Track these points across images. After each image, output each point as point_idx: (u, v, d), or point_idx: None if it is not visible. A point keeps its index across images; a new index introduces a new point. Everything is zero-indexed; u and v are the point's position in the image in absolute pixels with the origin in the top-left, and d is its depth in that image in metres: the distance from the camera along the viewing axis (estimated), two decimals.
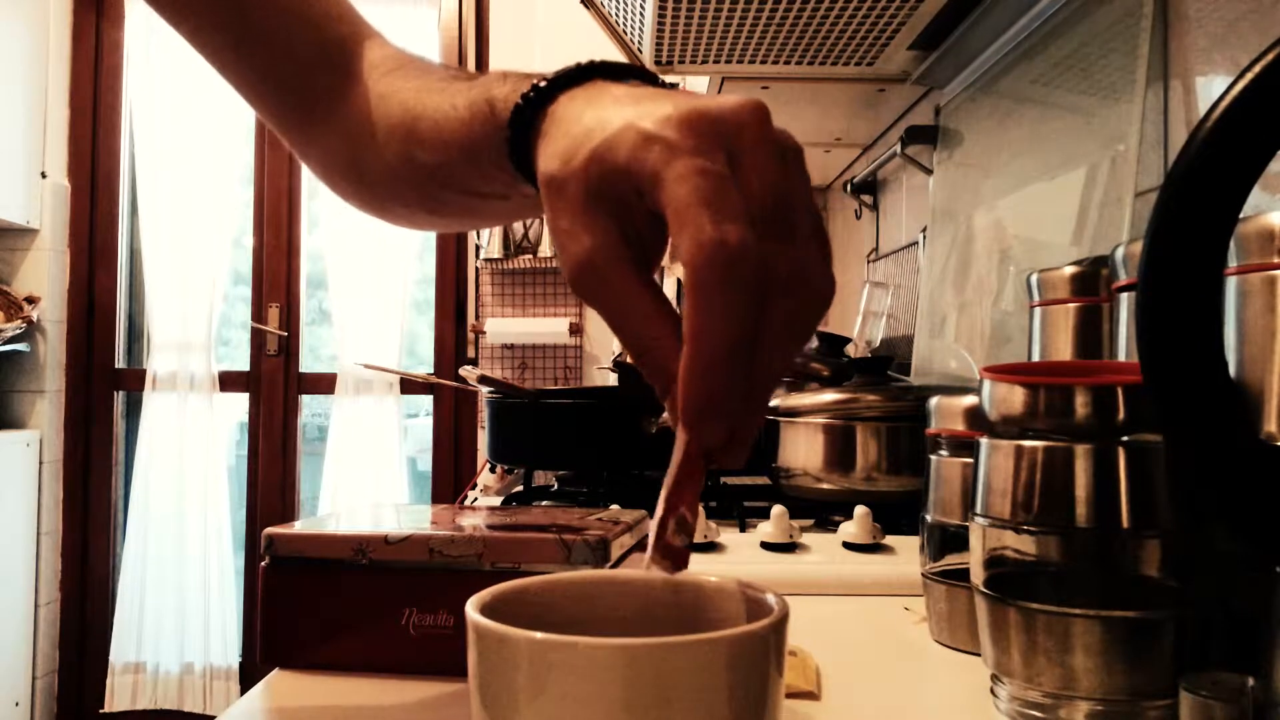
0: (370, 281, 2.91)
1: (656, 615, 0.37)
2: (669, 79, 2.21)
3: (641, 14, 1.25)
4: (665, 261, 2.48)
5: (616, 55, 1.45)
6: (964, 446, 0.61)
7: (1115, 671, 0.44)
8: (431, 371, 2.98)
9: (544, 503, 1.14)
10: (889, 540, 0.83)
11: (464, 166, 0.49)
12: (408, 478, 2.98)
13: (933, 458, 0.63)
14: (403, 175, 0.54)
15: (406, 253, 2.93)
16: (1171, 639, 0.44)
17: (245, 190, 2.99)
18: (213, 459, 2.93)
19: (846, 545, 0.83)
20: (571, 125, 0.38)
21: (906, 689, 0.55)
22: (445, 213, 0.57)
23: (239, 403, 3.03)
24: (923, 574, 0.63)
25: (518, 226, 2.80)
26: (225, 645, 2.89)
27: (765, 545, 0.83)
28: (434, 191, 0.53)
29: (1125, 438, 0.45)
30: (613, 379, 1.32)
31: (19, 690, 2.76)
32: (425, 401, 3.06)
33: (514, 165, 0.43)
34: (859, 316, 1.94)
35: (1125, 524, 0.44)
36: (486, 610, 0.33)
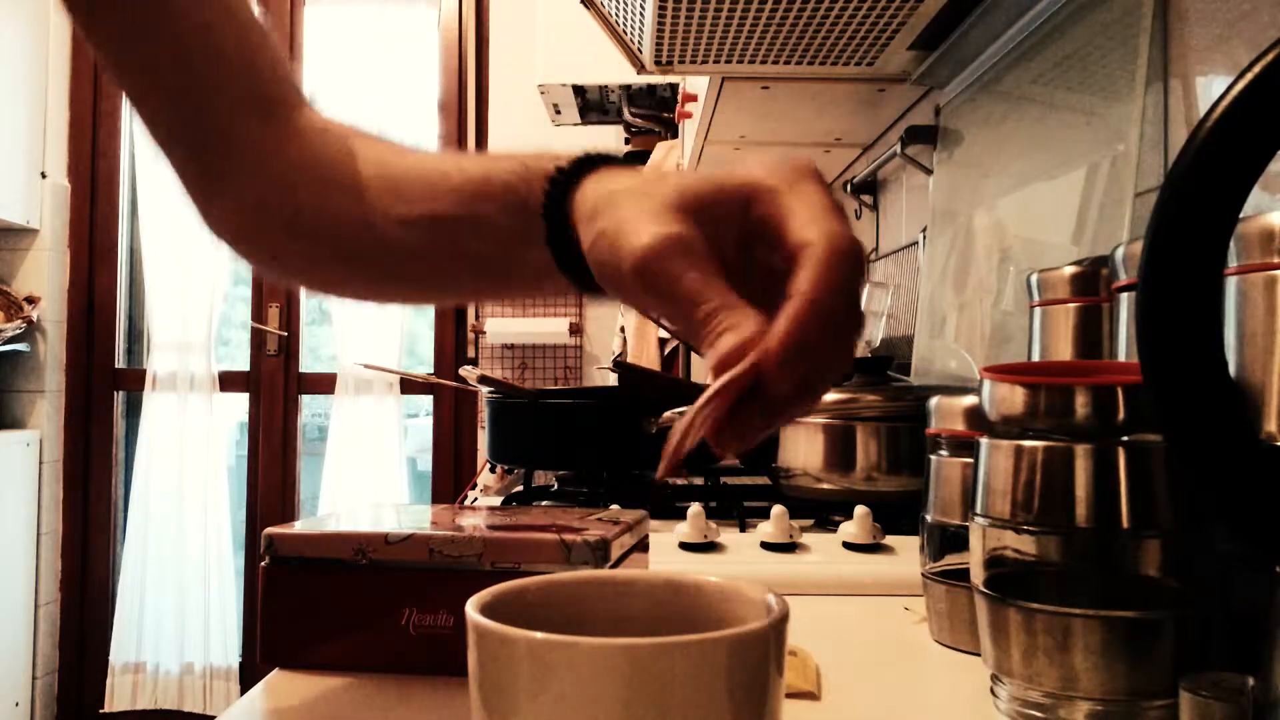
0: None
1: (656, 615, 0.37)
2: (669, 79, 2.21)
3: (641, 14, 1.25)
4: None
5: (617, 55, 1.45)
6: (964, 446, 0.61)
7: (1115, 671, 0.44)
8: (431, 371, 2.98)
9: (544, 503, 1.14)
10: (889, 540, 0.83)
11: (456, 221, 0.49)
12: (408, 478, 2.98)
13: (933, 458, 0.63)
14: (360, 230, 0.52)
15: None
16: (1171, 639, 0.44)
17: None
18: (213, 459, 2.93)
19: (846, 545, 0.83)
20: (641, 172, 0.42)
21: (906, 689, 0.55)
22: (387, 273, 0.55)
23: (239, 403, 3.03)
24: (923, 574, 0.63)
25: None
26: (225, 645, 2.89)
27: (765, 545, 0.83)
28: (397, 247, 0.52)
29: (1125, 438, 0.45)
30: (613, 379, 1.32)
31: (19, 690, 2.76)
32: (425, 401, 3.06)
33: (547, 214, 0.44)
34: None
35: (1125, 524, 0.44)
36: (486, 610, 0.33)
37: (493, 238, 0.47)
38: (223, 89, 0.54)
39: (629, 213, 0.38)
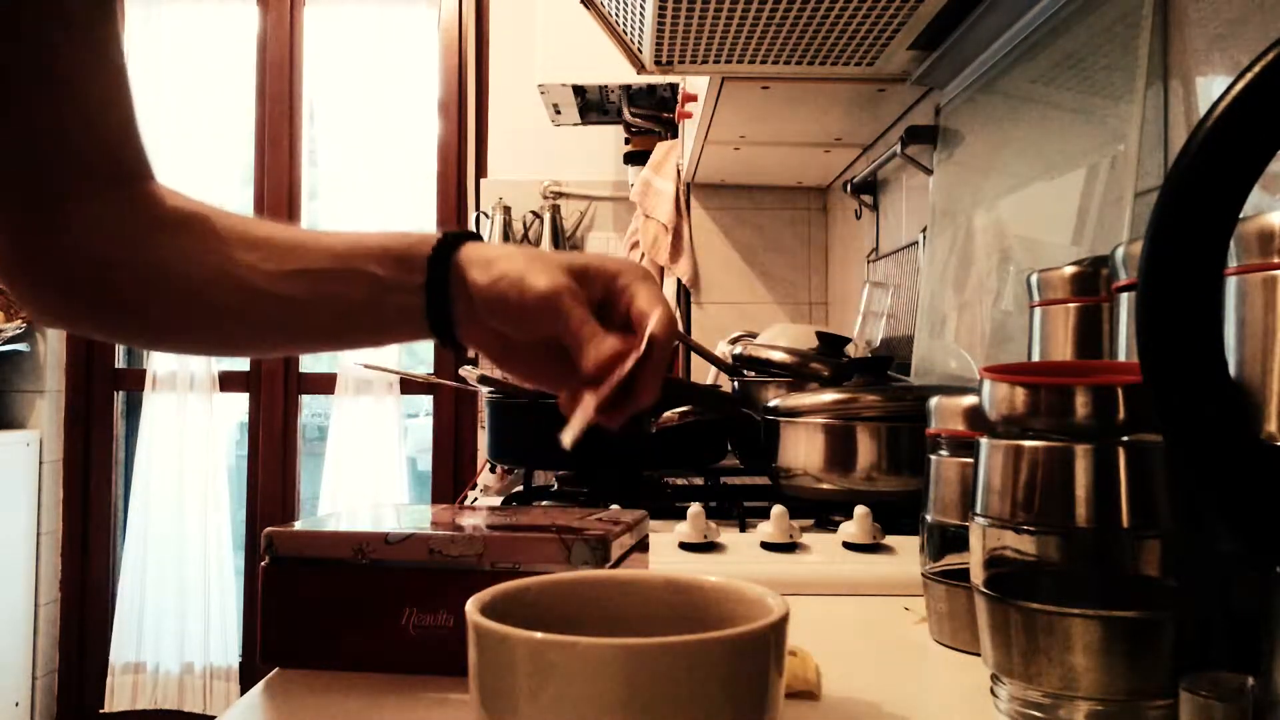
0: None
1: (656, 615, 0.37)
2: (669, 79, 2.21)
3: (641, 14, 1.25)
4: (665, 262, 2.49)
5: (617, 55, 1.45)
6: (964, 446, 0.61)
7: (1115, 671, 0.44)
8: (431, 371, 2.98)
9: (544, 503, 1.14)
10: (889, 540, 0.83)
11: (327, 272, 0.57)
12: (408, 478, 2.98)
13: (933, 458, 0.63)
14: (223, 279, 0.57)
15: None
16: (1171, 639, 0.44)
17: (245, 190, 2.99)
18: (213, 459, 2.92)
19: (846, 545, 0.83)
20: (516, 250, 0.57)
21: (906, 689, 0.55)
22: (246, 321, 0.59)
23: (239, 403, 3.03)
24: (923, 574, 0.63)
25: (518, 226, 2.80)
26: (225, 645, 2.89)
27: (765, 545, 0.83)
28: (261, 295, 0.57)
29: (1125, 438, 0.45)
30: None
31: (19, 690, 2.76)
32: (425, 401, 3.06)
33: (434, 260, 0.56)
34: (859, 316, 1.94)
35: (1125, 524, 0.44)
36: (486, 610, 0.33)
37: (363, 284, 0.57)
38: (68, 160, 0.57)
39: (530, 266, 0.54)
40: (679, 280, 2.48)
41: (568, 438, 0.52)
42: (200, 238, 0.58)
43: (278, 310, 0.58)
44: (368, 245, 0.58)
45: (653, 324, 0.54)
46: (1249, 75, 0.32)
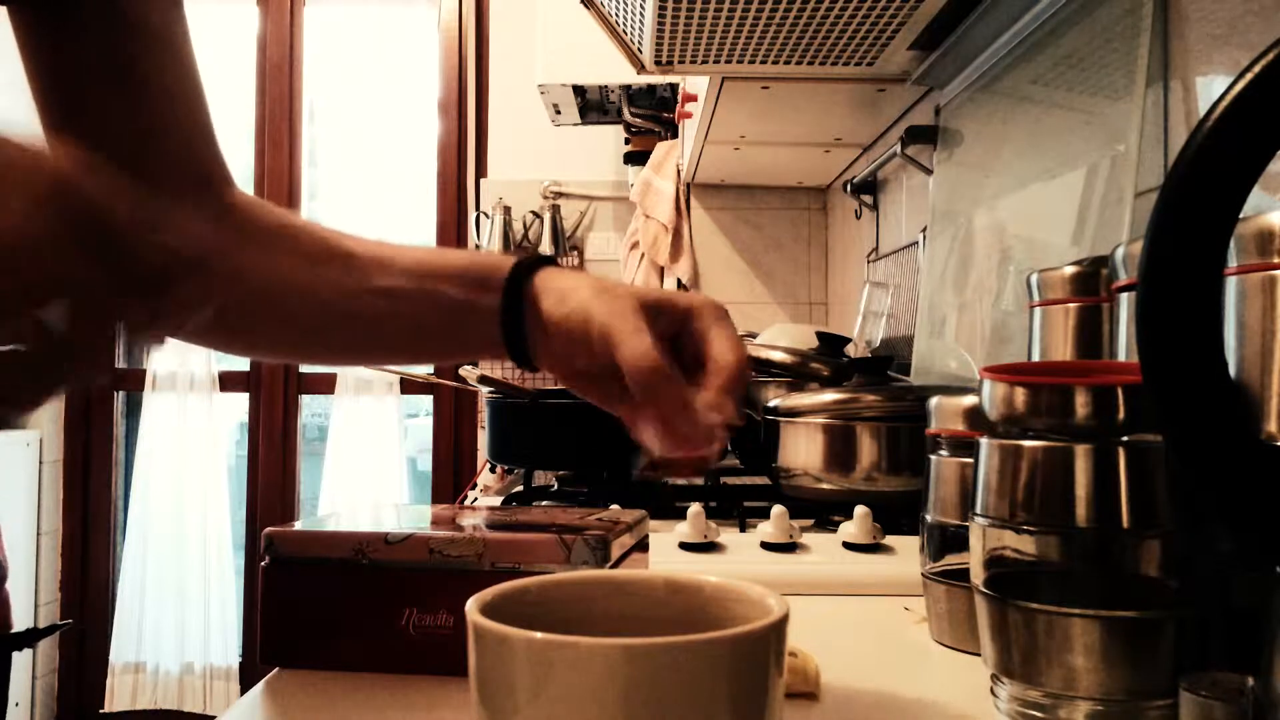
0: None
1: (656, 615, 0.37)
2: (669, 79, 2.21)
3: (641, 14, 1.25)
4: (665, 262, 2.49)
5: (617, 55, 1.45)
6: (964, 446, 0.61)
7: (1115, 671, 0.44)
8: (431, 371, 2.98)
9: (544, 503, 1.14)
10: (889, 540, 0.83)
11: (410, 293, 0.58)
12: (408, 478, 2.98)
13: (933, 458, 0.63)
14: (305, 296, 0.59)
15: None
16: (1171, 639, 0.44)
17: (245, 190, 2.99)
18: (213, 459, 2.92)
19: (846, 545, 0.83)
20: (588, 273, 0.57)
21: (906, 689, 0.55)
22: (327, 332, 0.62)
23: (239, 403, 3.03)
24: (923, 574, 0.63)
25: (518, 226, 2.80)
26: (225, 645, 2.89)
27: (765, 545, 0.83)
28: (344, 312, 0.59)
29: (1125, 438, 0.45)
30: None
31: (19, 690, 2.76)
32: (425, 401, 3.06)
33: (508, 290, 0.57)
34: (859, 316, 1.94)
35: (1125, 524, 0.44)
36: (486, 610, 0.33)
37: (440, 306, 0.58)
38: (154, 162, 0.58)
39: (598, 297, 0.53)
40: (679, 280, 2.48)
41: (635, 473, 0.53)
42: (285, 251, 0.59)
43: (356, 327, 0.59)
44: (448, 265, 0.58)
45: (727, 367, 0.53)
46: (1249, 75, 0.32)
